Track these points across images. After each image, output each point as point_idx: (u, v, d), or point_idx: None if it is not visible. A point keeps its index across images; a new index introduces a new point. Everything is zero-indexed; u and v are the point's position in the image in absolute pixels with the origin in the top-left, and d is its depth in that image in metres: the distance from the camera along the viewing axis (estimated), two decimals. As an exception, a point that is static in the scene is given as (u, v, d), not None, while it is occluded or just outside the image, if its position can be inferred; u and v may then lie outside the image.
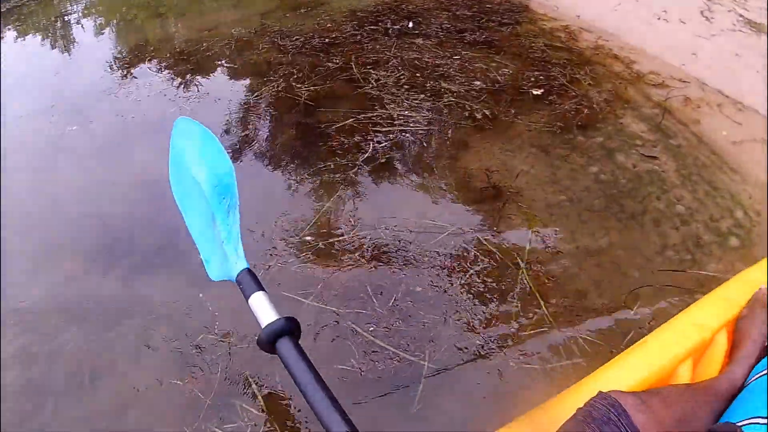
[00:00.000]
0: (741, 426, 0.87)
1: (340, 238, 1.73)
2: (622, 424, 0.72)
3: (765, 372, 1.01)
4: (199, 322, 1.51)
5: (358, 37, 3.01)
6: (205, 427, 1.28)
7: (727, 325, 1.16)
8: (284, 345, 1.02)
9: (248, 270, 1.15)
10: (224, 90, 2.61)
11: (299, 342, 1.05)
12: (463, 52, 2.80)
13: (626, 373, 1.02)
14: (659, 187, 2.00)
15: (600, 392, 0.78)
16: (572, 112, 2.33)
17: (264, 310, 1.07)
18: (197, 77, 2.74)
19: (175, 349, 1.45)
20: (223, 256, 1.20)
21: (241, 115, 2.40)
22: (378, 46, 2.89)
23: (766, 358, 1.07)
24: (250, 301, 1.10)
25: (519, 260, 1.67)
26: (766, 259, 1.26)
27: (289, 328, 1.04)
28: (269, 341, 1.04)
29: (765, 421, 0.86)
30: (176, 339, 1.48)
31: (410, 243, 1.72)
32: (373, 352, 1.43)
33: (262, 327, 1.05)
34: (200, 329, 1.49)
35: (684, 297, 1.59)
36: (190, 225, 1.30)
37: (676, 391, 0.95)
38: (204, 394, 1.34)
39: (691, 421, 0.88)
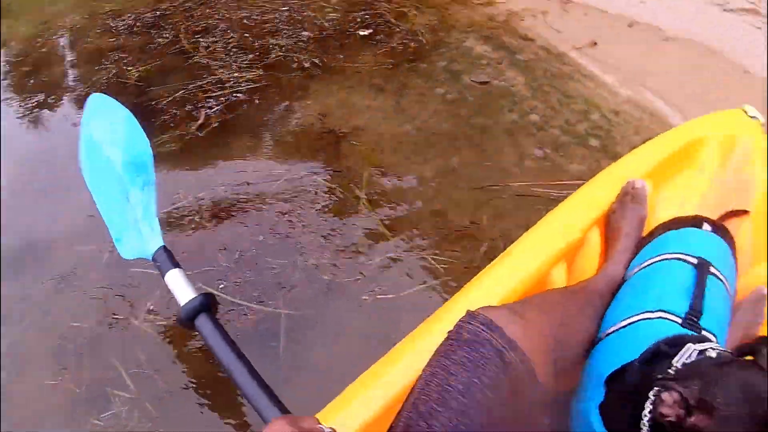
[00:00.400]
0: (633, 322, 0.87)
1: (178, 204, 1.83)
2: (496, 339, 0.66)
3: (644, 265, 1.00)
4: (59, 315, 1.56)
5: (189, 4, 2.99)
6: (84, 421, 1.32)
7: (598, 223, 1.12)
8: (203, 322, 1.05)
9: (164, 248, 1.18)
10: (59, 87, 2.56)
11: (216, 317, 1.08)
12: (291, 2, 2.87)
13: (494, 287, 0.96)
14: (510, 101, 2.07)
15: (468, 311, 0.71)
16: (402, 47, 2.46)
17: (181, 288, 1.10)
18: (34, 78, 2.67)
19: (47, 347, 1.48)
20: (138, 233, 1.21)
21: (74, 109, 2.39)
22: (208, 11, 2.89)
23: (644, 250, 1.05)
24: (166, 278, 1.12)
25: (358, 193, 1.79)
26: (629, 153, 1.25)
27: (207, 304, 1.07)
28: (189, 318, 1.06)
29: (655, 315, 0.86)
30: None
31: (248, 195, 1.82)
32: (230, 310, 1.49)
33: (181, 305, 1.08)
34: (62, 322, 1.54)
35: (546, 205, 1.62)
36: (100, 205, 1.30)
37: (552, 296, 0.92)
38: (78, 388, 1.38)
39: (572, 324, 0.85)
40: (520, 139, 1.91)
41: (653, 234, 1.08)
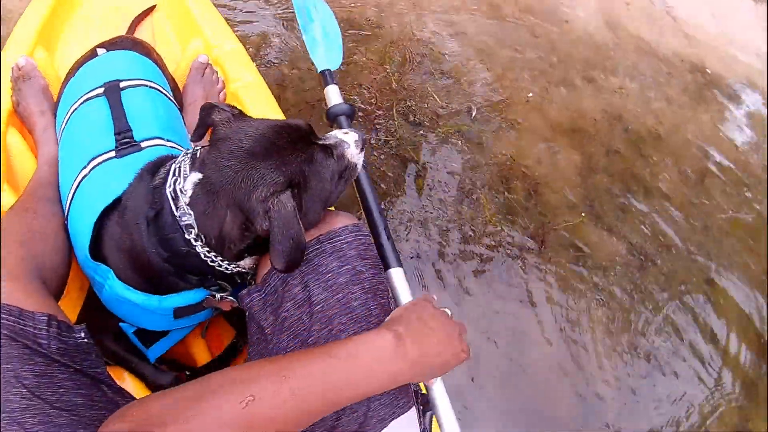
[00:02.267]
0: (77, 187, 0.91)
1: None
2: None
3: (62, 126, 1.02)
4: None
5: None
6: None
7: (13, 124, 1.13)
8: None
9: (329, 70, 1.32)
10: None
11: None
12: None
13: None
14: None
15: None
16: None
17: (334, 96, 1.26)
18: None
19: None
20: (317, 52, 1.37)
21: None
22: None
23: (58, 110, 1.08)
24: (325, 90, 1.28)
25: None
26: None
27: (351, 111, 1.22)
28: (333, 116, 1.22)
29: (88, 169, 0.91)
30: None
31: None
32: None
33: (330, 105, 1.24)
34: None
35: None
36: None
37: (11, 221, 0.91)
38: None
39: (41, 234, 0.90)
40: None
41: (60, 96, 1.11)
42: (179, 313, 0.91)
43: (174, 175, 0.81)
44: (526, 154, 2.12)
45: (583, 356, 1.73)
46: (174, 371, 1.02)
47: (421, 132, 1.98)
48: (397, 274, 0.97)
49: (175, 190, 0.80)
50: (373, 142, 1.89)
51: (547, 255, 1.89)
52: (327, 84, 1.28)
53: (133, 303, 0.88)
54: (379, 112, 1.95)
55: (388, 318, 0.74)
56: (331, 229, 0.81)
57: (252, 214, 0.75)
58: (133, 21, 1.38)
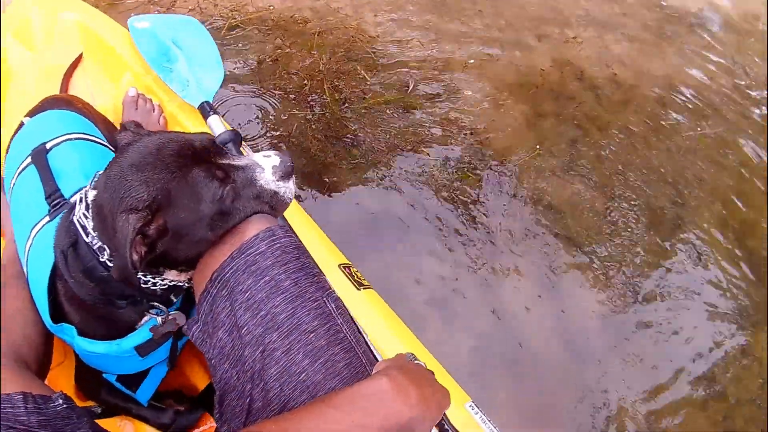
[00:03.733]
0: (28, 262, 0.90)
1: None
2: None
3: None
4: None
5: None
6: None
7: None
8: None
9: (207, 102, 1.31)
10: None
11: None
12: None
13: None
14: None
15: None
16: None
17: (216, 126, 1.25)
18: None
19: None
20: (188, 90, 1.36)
21: None
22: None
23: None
24: (207, 121, 1.27)
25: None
26: None
27: (236, 136, 1.18)
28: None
29: (30, 241, 0.90)
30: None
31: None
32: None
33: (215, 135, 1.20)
34: None
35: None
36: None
37: None
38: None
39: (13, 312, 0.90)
40: None
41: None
42: (142, 351, 0.90)
43: (81, 201, 0.80)
44: (472, 113, 2.11)
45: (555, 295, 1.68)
46: (178, 404, 1.05)
47: (350, 105, 2.01)
48: None
49: (80, 217, 0.79)
50: (309, 117, 1.93)
51: (503, 203, 1.87)
52: (206, 117, 1.25)
53: (99, 354, 0.87)
54: (313, 95, 2.01)
55: (375, 369, 0.73)
56: (243, 241, 0.77)
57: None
58: (64, 76, 1.39)
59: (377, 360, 0.82)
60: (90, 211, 0.79)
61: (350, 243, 1.66)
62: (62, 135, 1.02)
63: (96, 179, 0.80)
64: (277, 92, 1.98)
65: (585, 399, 1.55)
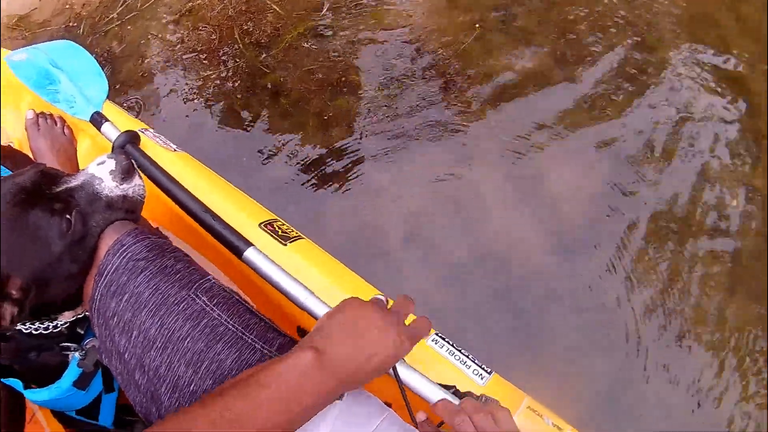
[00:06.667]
0: None
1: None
2: None
3: None
4: None
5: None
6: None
7: None
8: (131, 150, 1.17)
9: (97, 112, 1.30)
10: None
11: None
12: None
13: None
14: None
15: None
16: None
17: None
18: None
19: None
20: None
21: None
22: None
23: None
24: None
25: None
26: None
27: (132, 136, 1.17)
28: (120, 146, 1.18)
29: None
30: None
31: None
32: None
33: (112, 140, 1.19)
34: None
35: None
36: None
37: None
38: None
39: None
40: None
41: None
42: (81, 385, 0.90)
43: None
44: (399, 15, 1.88)
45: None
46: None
47: (267, 46, 1.83)
48: (252, 255, 0.92)
49: None
50: (222, 75, 1.79)
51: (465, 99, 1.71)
52: (99, 127, 1.22)
53: (47, 399, 0.88)
54: (225, 48, 1.83)
55: (315, 326, 0.67)
56: (100, 262, 0.73)
57: None
58: None
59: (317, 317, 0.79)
60: None
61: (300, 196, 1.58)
62: None
63: None
64: (187, 57, 1.82)
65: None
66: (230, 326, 0.73)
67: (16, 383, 0.86)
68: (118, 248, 0.73)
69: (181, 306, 0.71)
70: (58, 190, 0.76)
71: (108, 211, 0.78)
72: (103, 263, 0.73)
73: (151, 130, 1.31)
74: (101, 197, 0.78)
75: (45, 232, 0.72)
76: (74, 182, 0.78)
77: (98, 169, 0.79)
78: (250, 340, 0.74)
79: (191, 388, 0.70)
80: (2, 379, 0.86)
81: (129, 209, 0.81)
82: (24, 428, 0.96)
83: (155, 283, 0.72)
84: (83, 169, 0.81)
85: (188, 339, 0.70)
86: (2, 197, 0.72)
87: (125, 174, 0.80)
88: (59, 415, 1.02)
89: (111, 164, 0.79)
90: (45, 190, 0.75)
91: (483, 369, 0.91)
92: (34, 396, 0.86)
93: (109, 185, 0.79)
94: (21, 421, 0.95)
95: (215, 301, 0.74)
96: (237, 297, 0.79)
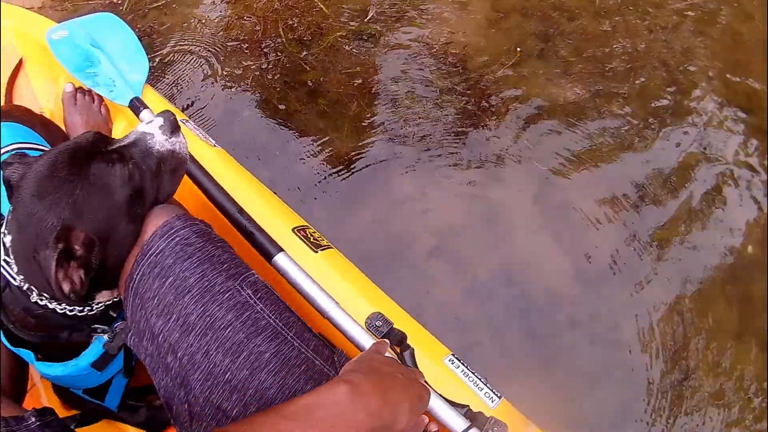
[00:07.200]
0: None
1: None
2: None
3: None
4: None
5: None
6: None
7: None
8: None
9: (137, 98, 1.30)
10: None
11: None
12: None
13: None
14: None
15: None
16: None
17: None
18: None
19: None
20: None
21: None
22: None
23: None
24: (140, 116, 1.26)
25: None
26: None
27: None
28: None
29: None
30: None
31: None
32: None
33: None
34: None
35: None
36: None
37: None
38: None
39: None
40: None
41: None
42: (98, 366, 0.90)
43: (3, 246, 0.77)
44: (439, 27, 1.91)
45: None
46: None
47: (309, 44, 1.85)
48: (281, 260, 0.92)
49: (3, 262, 0.77)
50: (263, 66, 1.79)
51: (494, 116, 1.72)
52: (138, 113, 1.23)
53: (59, 374, 0.88)
54: (267, 40, 1.84)
55: (341, 372, 0.68)
56: (144, 242, 0.74)
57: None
58: (7, 84, 1.36)
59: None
60: (11, 256, 0.76)
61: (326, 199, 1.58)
62: None
63: (7, 223, 0.76)
64: (230, 44, 1.83)
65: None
66: (271, 321, 0.74)
67: (27, 354, 0.85)
68: (167, 230, 0.74)
69: (226, 296, 0.72)
70: (114, 147, 0.78)
71: (158, 168, 0.81)
72: (147, 243, 0.73)
73: (192, 122, 1.31)
74: (153, 152, 0.80)
75: (107, 180, 0.74)
76: (127, 140, 0.80)
77: (148, 127, 0.82)
78: (289, 337, 0.75)
79: (226, 377, 0.70)
80: (13, 348, 0.85)
81: (174, 168, 0.83)
82: (24, 399, 0.95)
83: (202, 270, 0.72)
84: (132, 131, 0.83)
85: (229, 328, 0.71)
86: (60, 155, 0.74)
87: (173, 129, 0.83)
88: (62, 391, 1.01)
89: (159, 121, 0.82)
90: (102, 148, 0.77)
91: (494, 392, 0.94)
92: (46, 370, 0.86)
93: (160, 139, 0.81)
94: (23, 393, 0.93)
95: (259, 294, 0.75)
96: (278, 295, 0.79)
